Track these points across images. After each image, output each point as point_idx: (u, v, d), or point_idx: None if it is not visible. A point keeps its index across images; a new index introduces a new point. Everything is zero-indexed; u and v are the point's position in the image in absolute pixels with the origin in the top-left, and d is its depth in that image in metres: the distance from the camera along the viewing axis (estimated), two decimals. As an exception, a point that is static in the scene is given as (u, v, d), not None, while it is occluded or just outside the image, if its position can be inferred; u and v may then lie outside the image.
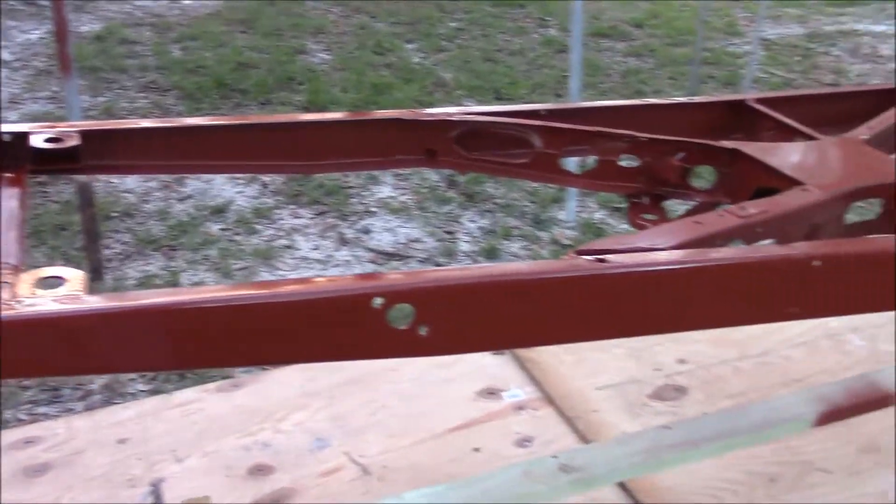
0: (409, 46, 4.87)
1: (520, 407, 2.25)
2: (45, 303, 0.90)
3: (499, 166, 1.75)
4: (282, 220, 3.08)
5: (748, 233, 1.28)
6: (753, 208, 1.32)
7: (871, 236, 1.38)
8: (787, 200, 1.38)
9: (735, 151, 1.61)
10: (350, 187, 3.31)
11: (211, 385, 2.29)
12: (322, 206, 3.16)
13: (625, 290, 1.07)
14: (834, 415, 1.96)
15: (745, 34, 5.29)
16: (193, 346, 0.96)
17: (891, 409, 2.21)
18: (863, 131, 1.74)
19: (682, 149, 1.65)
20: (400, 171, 3.50)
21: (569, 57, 2.98)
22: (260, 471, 2.01)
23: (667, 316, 1.11)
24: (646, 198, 1.73)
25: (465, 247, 3.02)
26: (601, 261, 1.08)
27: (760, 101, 1.87)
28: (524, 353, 2.42)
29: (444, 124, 1.65)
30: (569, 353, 2.44)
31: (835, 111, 1.95)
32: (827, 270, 1.17)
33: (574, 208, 3.06)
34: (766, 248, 1.20)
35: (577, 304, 1.07)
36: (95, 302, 0.92)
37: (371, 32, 5.04)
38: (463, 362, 2.40)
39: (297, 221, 3.07)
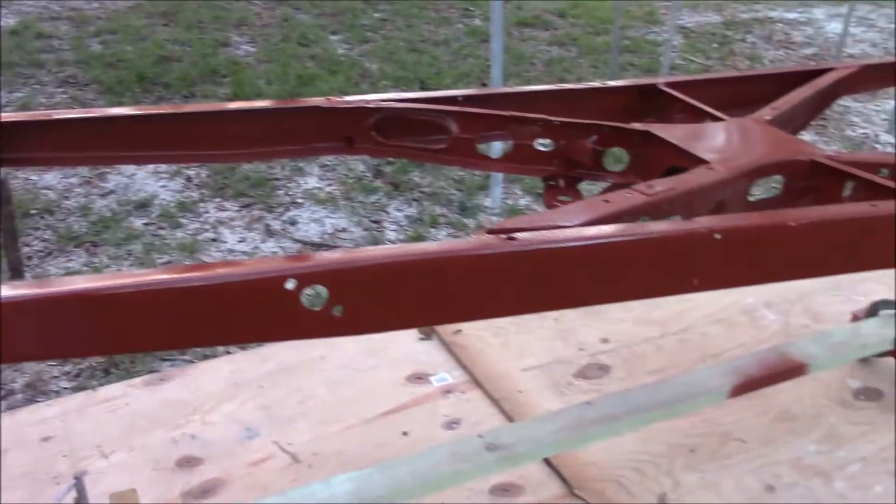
0: (334, 38, 4.86)
1: (448, 390, 2.28)
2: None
3: (417, 152, 1.77)
4: (207, 213, 3.06)
5: (655, 209, 1.33)
6: (660, 186, 1.37)
7: (768, 211, 1.44)
8: (692, 178, 1.43)
9: (646, 133, 1.67)
10: (276, 179, 3.29)
11: (137, 380, 2.28)
12: (248, 199, 3.15)
13: (532, 266, 1.11)
14: (748, 386, 2.04)
15: (665, 22, 5.40)
16: (108, 332, 0.97)
17: (804, 379, 2.31)
18: (767, 112, 1.81)
19: (594, 131, 1.70)
20: (326, 161, 3.50)
21: (491, 46, 3.01)
22: (188, 463, 2.00)
23: (574, 291, 1.15)
24: (561, 180, 1.78)
25: (391, 235, 3.04)
26: (510, 238, 1.11)
27: (670, 84, 1.93)
28: (452, 337, 2.45)
29: (360, 111, 1.67)
30: (495, 335, 2.48)
31: (742, 94, 2.02)
32: (727, 243, 1.22)
33: (499, 195, 3.10)
34: (669, 223, 1.24)
35: (487, 282, 1.10)
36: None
37: (295, 24, 5.01)
38: (391, 349, 2.43)
39: (222, 214, 3.05)
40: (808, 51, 5.02)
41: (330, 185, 3.30)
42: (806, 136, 3.81)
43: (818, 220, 1.27)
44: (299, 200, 3.16)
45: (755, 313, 2.64)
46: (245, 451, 2.05)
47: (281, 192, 3.22)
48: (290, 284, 1.00)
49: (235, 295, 1.00)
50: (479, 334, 2.47)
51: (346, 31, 4.95)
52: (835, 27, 5.44)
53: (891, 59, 2.31)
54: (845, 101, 4.29)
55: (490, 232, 1.14)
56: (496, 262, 1.09)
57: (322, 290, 1.03)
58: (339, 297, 1.03)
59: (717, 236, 1.20)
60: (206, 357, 2.40)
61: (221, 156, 1.65)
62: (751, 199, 1.57)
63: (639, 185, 1.36)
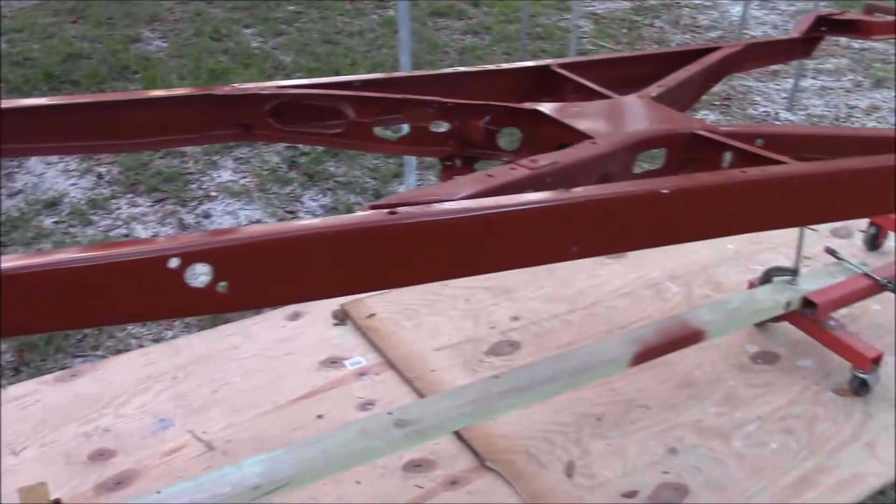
0: (247, 31, 4.83)
1: (362, 373, 2.32)
2: None
3: (314, 137, 1.80)
4: (119, 209, 3.03)
5: (538, 183, 1.38)
6: (543, 160, 1.42)
7: (642, 179, 1.51)
8: (574, 152, 1.49)
9: (535, 112, 1.72)
10: (189, 173, 3.28)
11: (48, 377, 2.26)
12: (161, 194, 3.13)
13: (414, 238, 1.15)
14: (648, 354, 2.12)
15: (572, 8, 5.50)
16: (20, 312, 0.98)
17: (705, 346, 2.41)
18: (653, 90, 1.88)
19: (487, 112, 1.74)
20: (240, 154, 3.50)
21: (399, 34, 3.05)
22: (101, 456, 2.00)
23: (456, 261, 1.20)
24: (458, 160, 1.82)
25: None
26: (392, 212, 1.15)
27: (563, 66, 1.99)
28: (366, 321, 2.49)
29: (256, 98, 1.68)
30: (408, 318, 2.52)
31: (632, 73, 2.08)
32: (602, 211, 1.28)
33: (414, 182, 3.14)
34: (544, 193, 1.29)
35: (371, 254, 1.14)
36: None
37: (207, 19, 4.97)
38: (306, 335, 2.45)
39: (135, 210, 3.03)
40: (714, 34, 5.17)
41: (244, 177, 3.29)
42: (710, 115, 3.95)
43: (689, 187, 1.34)
44: (213, 194, 3.15)
45: (660, 286, 2.74)
46: (159, 442, 2.06)
47: (194, 185, 3.20)
48: (173, 263, 1.03)
49: (120, 275, 1.02)
50: (393, 317, 2.52)
51: (260, 25, 4.92)
52: (738, 10, 5.61)
53: (773, 37, 2.42)
54: (748, 81, 4.44)
55: (373, 207, 1.18)
56: (377, 235, 1.12)
57: (206, 267, 1.05)
58: (224, 273, 1.06)
59: (593, 205, 1.26)
60: (119, 351, 2.38)
61: (120, 145, 1.65)
62: (637, 171, 1.64)
63: (523, 160, 1.41)
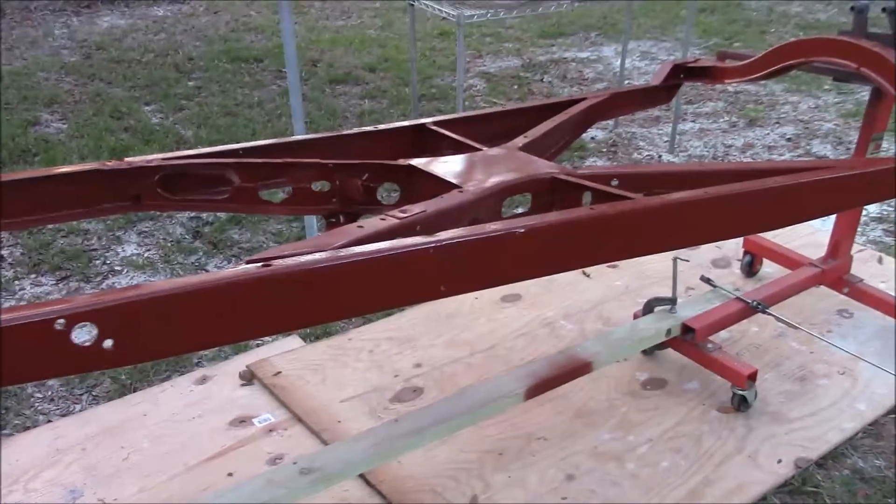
0: (148, 108, 4.90)
1: (271, 429, 2.38)
2: None
3: (203, 203, 1.90)
4: (23, 290, 3.05)
5: (408, 230, 1.50)
6: (413, 210, 1.55)
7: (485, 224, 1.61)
8: (442, 201, 1.61)
9: (409, 167, 1.85)
10: (93, 250, 3.31)
11: (-48, 460, 2.26)
12: (64, 272, 3.15)
13: (287, 287, 1.25)
14: (540, 387, 2.25)
15: (469, 69, 5.73)
16: None
17: (599, 377, 2.55)
18: (520, 140, 2.04)
19: (365, 170, 1.87)
20: (143, 228, 3.55)
21: (292, 102, 3.18)
22: (10, 532, 2.02)
23: (327, 306, 1.30)
24: (341, 216, 1.94)
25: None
26: (266, 265, 1.25)
27: (437, 123, 2.14)
28: (272, 379, 2.55)
29: (143, 170, 1.78)
30: (314, 372, 2.60)
31: (502, 126, 2.24)
32: (463, 253, 1.40)
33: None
34: (413, 238, 1.41)
35: (248, 305, 1.23)
36: None
37: (107, 98, 5.02)
38: (215, 397, 2.51)
39: (38, 290, 3.04)
40: (600, 85, 5.44)
41: (148, 250, 3.34)
42: (599, 160, 4.16)
43: (539, 226, 1.47)
44: (117, 268, 3.19)
45: (555, 325, 2.88)
46: (69, 513, 2.08)
47: (98, 261, 3.24)
48: (59, 324, 1.11)
49: (11, 337, 1.09)
50: (299, 373, 2.59)
51: (160, 101, 5.00)
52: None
53: (635, 86, 2.62)
54: (631, 128, 4.69)
55: (249, 262, 1.28)
56: (251, 287, 1.22)
57: (91, 326, 1.14)
58: (109, 331, 1.14)
59: (434, 249, 1.37)
60: (26, 428, 2.40)
61: (10, 224, 1.72)
62: (505, 214, 1.78)
63: (393, 211, 1.54)
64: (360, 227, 1.46)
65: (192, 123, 4.66)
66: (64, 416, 2.47)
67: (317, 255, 1.30)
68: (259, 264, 1.26)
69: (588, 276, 3.18)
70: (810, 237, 3.38)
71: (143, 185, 1.80)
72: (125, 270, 3.19)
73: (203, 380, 2.58)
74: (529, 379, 2.24)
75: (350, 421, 2.39)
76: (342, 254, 1.33)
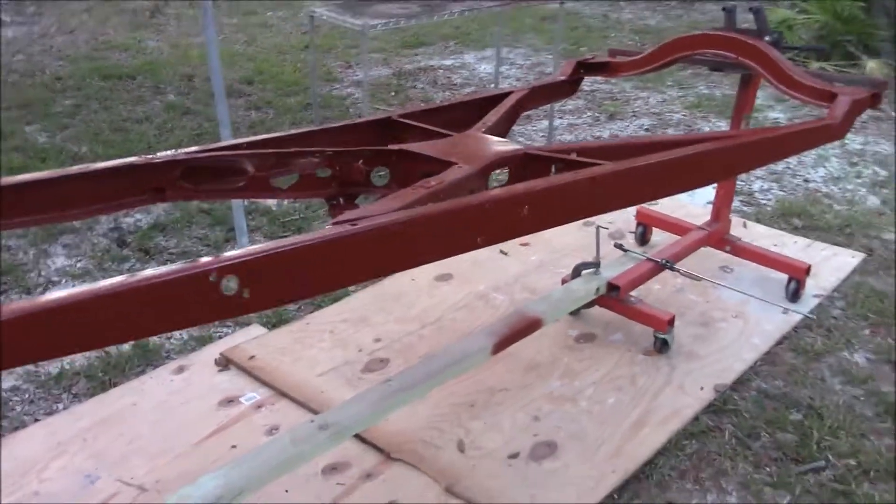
0: (30, 128, 4.84)
1: (259, 405, 2.57)
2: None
3: (222, 192, 2.10)
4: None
5: (434, 197, 1.79)
6: (433, 182, 1.83)
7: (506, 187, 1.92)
8: (452, 174, 1.91)
9: (401, 151, 2.13)
10: (23, 264, 3.34)
11: (-46, 462, 2.31)
12: (2, 286, 3.18)
13: (374, 241, 1.51)
14: (504, 342, 2.56)
15: (343, 79, 5.99)
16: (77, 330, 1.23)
17: (537, 337, 2.89)
18: (481, 126, 2.35)
19: (361, 156, 2.13)
20: (65, 241, 3.59)
21: (218, 110, 3.35)
22: (40, 517, 2.12)
23: (405, 255, 1.57)
24: (341, 199, 2.18)
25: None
26: (354, 224, 1.51)
27: (402, 115, 2.42)
28: (249, 363, 2.74)
29: (170, 164, 1.96)
30: (284, 354, 2.81)
31: (456, 116, 2.54)
32: (493, 210, 1.71)
33: (247, 243, 3.42)
34: (454, 201, 1.70)
35: (345, 256, 1.49)
36: None
37: (-16, 121, 4.93)
38: (195, 384, 2.66)
39: (-25, 297, 3.07)
40: (468, 89, 5.84)
41: (79, 260, 3.40)
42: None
43: (539, 188, 1.79)
44: (55, 279, 3.24)
45: (488, 297, 3.21)
46: (92, 494, 2.20)
47: (33, 274, 3.27)
48: (212, 277, 1.33)
49: (174, 287, 1.30)
50: (271, 355, 2.79)
51: (42, 121, 4.94)
52: (484, 68, 6.37)
53: (547, 80, 2.99)
54: (510, 126, 5.09)
55: (336, 223, 1.53)
56: (350, 241, 1.48)
57: (232, 279, 1.36)
58: (246, 282, 1.36)
59: (489, 206, 1.69)
60: (15, 429, 2.47)
61: (55, 217, 1.86)
62: (491, 185, 2.09)
63: (419, 183, 1.82)
64: (401, 196, 1.73)
65: (83, 140, 4.67)
66: (49, 414, 2.56)
67: (393, 215, 1.57)
68: (349, 224, 1.52)
69: (506, 254, 3.53)
70: (684, 209, 3.88)
71: (167, 179, 1.98)
72: (63, 280, 3.25)
73: (180, 370, 2.73)
74: (494, 337, 2.55)
75: (331, 391, 2.62)
76: (409, 213, 1.60)
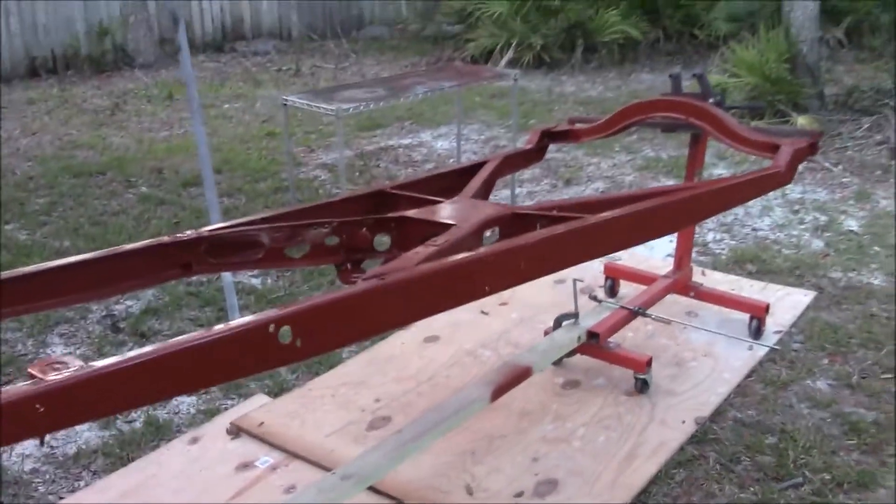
0: (9, 227, 4.97)
1: (274, 467, 2.72)
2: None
3: (242, 264, 2.30)
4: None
5: (443, 255, 2.01)
6: (441, 240, 2.05)
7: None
8: (455, 233, 2.13)
9: (401, 217, 2.35)
10: (23, 355, 3.45)
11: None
12: (6, 377, 3.29)
13: (401, 291, 1.72)
14: (501, 390, 2.76)
15: (308, 163, 6.24)
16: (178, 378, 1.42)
17: (527, 387, 3.08)
18: (468, 192, 2.59)
19: (364, 224, 2.34)
20: (61, 330, 3.71)
21: (207, 195, 3.55)
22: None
23: (428, 303, 1.79)
24: (349, 265, 2.39)
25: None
26: (382, 279, 1.72)
27: (394, 187, 2.64)
28: (259, 430, 2.88)
29: (196, 241, 2.15)
30: (293, 419, 2.96)
31: (441, 185, 2.77)
32: (496, 263, 1.93)
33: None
34: (464, 254, 1.92)
35: (378, 306, 1.69)
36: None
37: (-38, 223, 5.05)
38: (209, 452, 2.80)
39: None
40: (429, 165, 6.12)
41: (78, 347, 3.53)
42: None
43: (535, 240, 2.03)
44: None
45: (475, 353, 3.41)
46: (127, 560, 2.32)
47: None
48: (271, 328, 1.52)
49: (240, 339, 1.49)
50: (280, 421, 2.94)
51: (19, 220, 5.08)
52: (441, 144, 6.68)
53: (518, 149, 3.25)
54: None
55: (365, 278, 1.74)
56: (381, 292, 1.69)
57: (287, 328, 1.55)
58: (299, 332, 1.56)
59: (489, 260, 1.92)
60: (45, 506, 2.58)
61: (102, 293, 2.04)
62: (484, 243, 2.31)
63: (430, 242, 2.04)
64: (417, 253, 1.95)
65: (63, 235, 4.81)
66: (72, 492, 2.67)
67: (415, 269, 1.79)
68: (377, 279, 1.73)
69: (487, 313, 3.74)
70: (647, 263, 4.15)
71: (194, 254, 2.16)
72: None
73: (194, 440, 2.87)
74: (490, 386, 2.75)
75: (340, 449, 2.78)
76: (428, 267, 1.82)
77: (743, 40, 7.28)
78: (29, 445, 2.90)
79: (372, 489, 2.57)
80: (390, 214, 2.39)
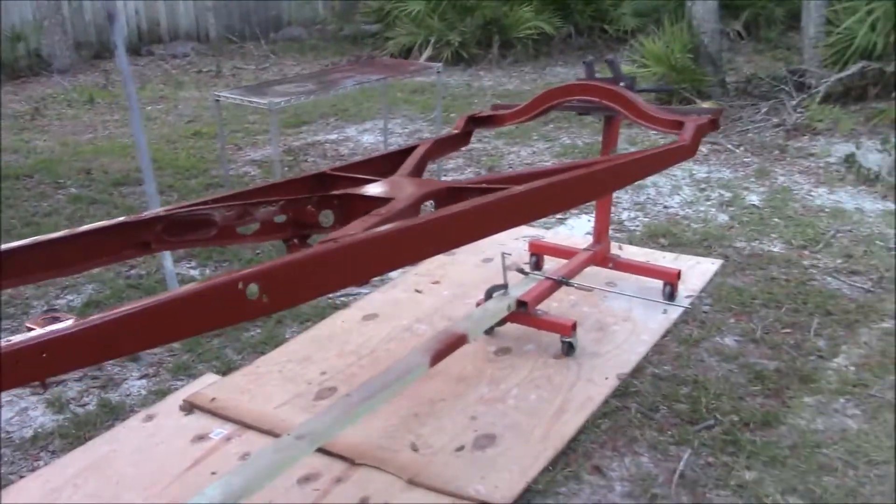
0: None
1: (228, 438, 2.87)
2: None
3: (198, 242, 2.45)
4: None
5: (385, 223, 2.21)
6: (383, 211, 2.25)
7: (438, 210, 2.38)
8: (393, 206, 2.33)
9: (344, 195, 2.54)
10: None
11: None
12: None
13: (353, 252, 1.92)
14: (439, 356, 2.96)
15: (237, 160, 6.35)
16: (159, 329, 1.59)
17: (463, 356, 3.30)
18: (403, 171, 2.79)
19: (310, 203, 2.52)
20: (10, 323, 3.78)
21: (147, 189, 3.66)
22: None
23: (377, 263, 1.99)
24: (296, 239, 2.56)
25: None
26: (335, 241, 1.91)
27: (333, 170, 2.83)
28: (211, 405, 3.03)
29: (153, 220, 2.30)
30: (242, 393, 3.11)
31: (378, 168, 2.95)
32: (439, 228, 2.15)
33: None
34: (403, 221, 2.13)
35: (336, 264, 1.89)
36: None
37: None
38: (166, 428, 2.94)
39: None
40: (357, 158, 6.30)
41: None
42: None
43: (471, 207, 2.25)
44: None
45: (412, 328, 3.62)
46: (96, 525, 2.45)
47: None
48: (239, 285, 1.70)
49: (208, 295, 1.67)
50: (230, 396, 3.09)
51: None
52: (367, 138, 6.85)
53: (445, 134, 3.47)
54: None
55: (323, 242, 1.93)
56: (337, 253, 1.88)
57: (254, 286, 1.73)
58: (265, 288, 1.74)
59: (432, 224, 2.13)
60: (6, 483, 2.67)
61: (67, 271, 2.18)
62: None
63: (374, 212, 2.24)
64: (364, 221, 2.15)
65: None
66: (33, 471, 2.77)
67: (363, 234, 1.99)
68: (332, 242, 1.92)
69: (421, 292, 3.95)
70: (569, 240, 4.42)
71: (151, 233, 2.31)
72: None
73: (149, 418, 3.00)
74: (429, 352, 2.95)
75: (291, 418, 2.94)
76: (373, 233, 2.02)
77: (650, 34, 7.65)
78: (-15, 431, 3.00)
79: (325, 452, 2.75)
80: (334, 192, 2.57)
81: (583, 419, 2.94)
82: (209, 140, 6.85)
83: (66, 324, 1.51)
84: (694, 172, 5.65)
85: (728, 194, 5.24)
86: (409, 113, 7.61)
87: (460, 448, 2.79)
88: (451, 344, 3.06)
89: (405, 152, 3.11)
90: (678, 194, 5.28)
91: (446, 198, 2.58)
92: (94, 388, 3.28)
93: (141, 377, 3.34)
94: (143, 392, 3.23)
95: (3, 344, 1.42)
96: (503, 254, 3.46)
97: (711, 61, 7.10)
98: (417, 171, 2.96)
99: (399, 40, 9.75)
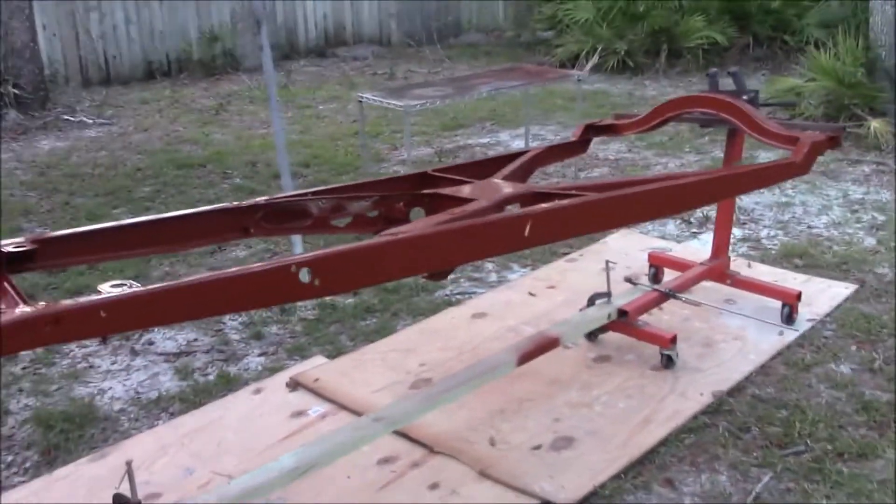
0: (117, 211, 5.51)
1: (323, 416, 3.08)
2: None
3: (294, 230, 2.66)
4: (73, 352, 3.63)
5: (456, 220, 2.32)
6: (458, 211, 2.36)
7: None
8: (471, 206, 2.43)
9: (432, 194, 2.67)
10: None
11: (83, 459, 2.85)
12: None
13: (408, 246, 2.04)
14: (526, 356, 3.04)
15: (391, 159, 6.64)
16: (211, 301, 1.77)
17: (561, 359, 3.36)
18: (499, 175, 2.89)
19: (401, 199, 2.67)
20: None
21: (282, 181, 3.94)
22: (150, 497, 2.62)
23: (431, 258, 2.11)
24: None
25: (234, 336, 3.79)
26: (395, 235, 2.04)
27: (436, 170, 2.96)
28: (314, 385, 3.25)
29: (253, 208, 2.52)
30: (343, 376, 3.31)
31: (480, 171, 3.07)
32: (489, 228, 2.23)
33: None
34: (465, 220, 2.23)
35: (389, 258, 2.02)
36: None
37: (76, 206, 5.62)
38: (271, 401, 3.18)
39: (87, 349, 3.64)
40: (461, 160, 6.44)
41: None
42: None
43: (527, 213, 2.32)
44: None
45: (518, 329, 3.70)
46: (191, 481, 2.71)
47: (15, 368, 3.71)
48: (293, 269, 1.86)
49: (265, 276, 1.84)
50: (333, 378, 3.30)
51: (127, 205, 5.63)
52: (517, 144, 6.97)
53: (563, 141, 3.53)
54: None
55: (383, 234, 2.07)
56: (391, 245, 2.01)
57: (306, 269, 1.89)
58: (317, 273, 1.90)
59: (494, 224, 2.22)
60: (127, 437, 3.00)
61: (174, 248, 2.43)
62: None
63: (449, 210, 2.35)
64: (442, 218, 2.26)
65: (164, 219, 5.31)
66: (151, 428, 3.08)
67: (422, 230, 2.10)
68: (390, 235, 2.05)
69: (534, 295, 4.03)
70: (696, 254, 4.34)
71: (252, 220, 2.53)
72: (154, 329, 3.81)
73: (258, 391, 3.26)
74: (518, 352, 3.04)
75: (383, 403, 3.09)
76: (436, 227, 2.13)
77: (820, 46, 7.30)
78: (119, 390, 3.35)
79: (406, 436, 2.89)
80: (424, 191, 2.71)
81: (666, 431, 2.93)
82: (370, 139, 7.18)
83: (128, 290, 1.72)
84: (849, 193, 5.38)
85: (882, 217, 4.95)
86: (564, 120, 7.65)
87: (537, 447, 2.86)
88: (543, 346, 3.12)
89: (513, 157, 3.20)
90: (826, 214, 5.05)
91: (531, 202, 2.66)
92: (218, 360, 3.58)
93: (260, 354, 3.62)
94: (259, 368, 3.50)
95: (70, 302, 1.65)
96: (608, 262, 3.47)
97: (887, 76, 6.69)
98: (521, 176, 3.04)
99: (568, 48, 9.79)
